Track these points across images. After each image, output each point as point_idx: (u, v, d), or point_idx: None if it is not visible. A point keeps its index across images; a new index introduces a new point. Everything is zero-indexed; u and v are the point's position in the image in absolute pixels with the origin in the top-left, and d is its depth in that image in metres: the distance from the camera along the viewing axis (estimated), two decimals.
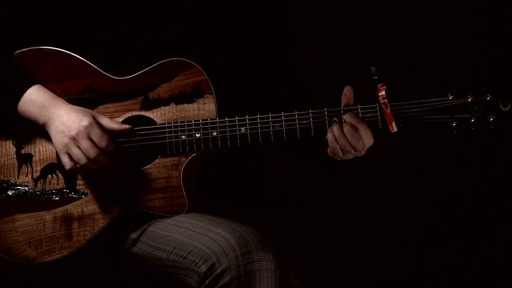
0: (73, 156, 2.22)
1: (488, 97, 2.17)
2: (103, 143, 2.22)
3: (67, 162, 2.24)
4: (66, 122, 2.23)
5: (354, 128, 2.20)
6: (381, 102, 2.20)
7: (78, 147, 2.22)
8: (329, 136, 2.23)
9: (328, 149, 2.25)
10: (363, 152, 2.23)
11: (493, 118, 2.17)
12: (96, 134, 2.22)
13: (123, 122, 2.29)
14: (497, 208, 3.21)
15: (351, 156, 2.24)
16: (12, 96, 2.27)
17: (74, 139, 2.22)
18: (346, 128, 2.20)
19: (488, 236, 3.22)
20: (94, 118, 2.24)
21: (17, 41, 2.31)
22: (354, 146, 2.20)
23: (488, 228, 3.22)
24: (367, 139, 2.21)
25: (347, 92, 2.24)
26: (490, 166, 3.16)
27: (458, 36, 3.12)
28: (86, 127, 2.22)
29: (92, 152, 2.21)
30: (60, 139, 2.23)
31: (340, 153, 2.23)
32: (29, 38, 2.32)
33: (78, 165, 2.23)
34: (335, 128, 2.21)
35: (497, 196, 3.20)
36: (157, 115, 2.29)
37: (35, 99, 2.26)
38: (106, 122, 2.26)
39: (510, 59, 3.02)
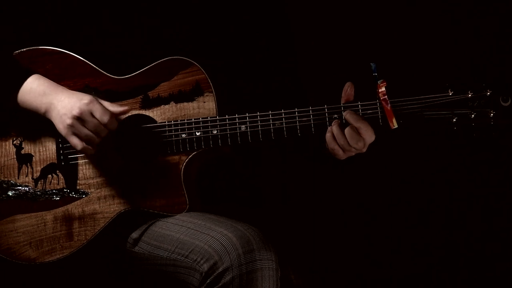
0: (82, 136, 2.20)
1: (488, 92, 2.17)
2: (105, 118, 2.20)
3: (77, 143, 2.21)
4: (67, 104, 2.21)
5: (354, 129, 2.19)
6: (381, 98, 2.20)
7: (85, 126, 2.20)
8: (328, 136, 2.22)
9: (328, 149, 2.25)
10: (364, 150, 2.23)
11: (493, 114, 2.17)
12: (97, 109, 2.20)
13: (123, 121, 2.29)
14: (498, 204, 3.21)
15: (353, 154, 2.24)
16: (11, 86, 2.26)
17: (78, 118, 2.19)
18: (346, 130, 2.20)
19: (489, 233, 3.22)
20: (94, 97, 2.23)
21: (16, 41, 2.31)
22: (354, 147, 2.20)
23: (491, 224, 3.22)
24: (368, 137, 2.20)
25: (348, 88, 2.23)
26: (490, 162, 3.16)
27: (458, 32, 3.12)
28: (88, 104, 2.19)
29: (100, 128, 2.19)
30: (64, 122, 2.20)
31: (340, 152, 2.23)
32: (29, 38, 2.31)
33: (89, 146, 2.21)
34: (334, 127, 2.21)
35: (497, 192, 3.20)
36: (157, 114, 2.29)
37: (36, 88, 2.25)
38: (107, 104, 2.24)
39: (510, 55, 3.02)
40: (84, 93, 2.24)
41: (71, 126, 2.20)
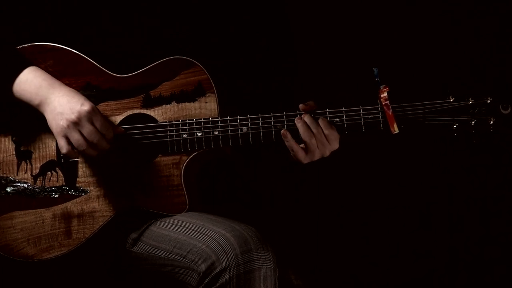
0: (73, 140, 2.19)
1: (488, 99, 2.19)
2: (104, 128, 2.20)
3: (64, 146, 2.20)
4: (66, 104, 2.20)
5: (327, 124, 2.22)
6: (383, 103, 2.21)
7: (79, 131, 2.19)
8: (300, 126, 2.22)
9: (304, 144, 2.24)
10: (328, 153, 2.25)
11: (493, 121, 2.19)
12: (98, 119, 2.19)
13: (124, 120, 2.29)
14: (496, 210, 3.22)
15: (327, 152, 2.24)
16: (7, 75, 2.24)
17: (75, 123, 2.18)
18: (320, 120, 2.21)
19: (488, 236, 3.23)
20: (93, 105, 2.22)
21: (17, 40, 2.29)
22: (327, 135, 2.21)
23: (489, 231, 3.23)
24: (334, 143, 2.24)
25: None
26: (489, 169, 3.17)
27: (459, 39, 3.12)
28: (89, 112, 2.19)
29: (95, 137, 2.18)
30: (58, 121, 2.20)
31: (314, 147, 2.22)
32: (29, 37, 2.30)
33: (75, 150, 2.21)
34: (307, 117, 2.22)
35: (496, 198, 3.21)
36: (158, 113, 2.28)
37: (32, 79, 2.23)
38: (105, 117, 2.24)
39: (510, 62, 3.03)
40: (83, 96, 2.23)
41: (65, 128, 2.19)
